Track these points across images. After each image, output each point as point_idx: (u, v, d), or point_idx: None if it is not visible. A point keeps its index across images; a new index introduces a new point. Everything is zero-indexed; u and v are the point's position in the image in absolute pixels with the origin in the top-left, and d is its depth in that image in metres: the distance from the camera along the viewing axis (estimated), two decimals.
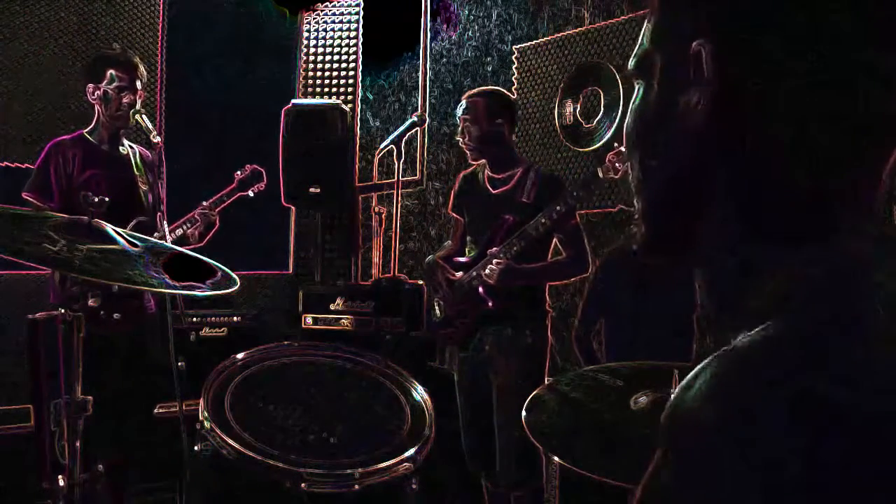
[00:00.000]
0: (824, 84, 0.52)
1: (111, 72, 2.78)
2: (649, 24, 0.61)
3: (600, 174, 2.56)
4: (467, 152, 2.86)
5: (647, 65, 0.60)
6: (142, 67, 2.87)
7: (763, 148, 0.54)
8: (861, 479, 0.42)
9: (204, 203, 3.03)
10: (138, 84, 2.83)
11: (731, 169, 0.55)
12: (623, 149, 2.49)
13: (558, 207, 2.54)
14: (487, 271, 2.64)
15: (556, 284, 3.26)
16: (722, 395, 0.47)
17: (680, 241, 0.61)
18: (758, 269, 0.55)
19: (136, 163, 2.89)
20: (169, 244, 2.31)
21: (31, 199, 2.75)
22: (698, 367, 0.49)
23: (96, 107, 2.85)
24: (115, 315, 2.70)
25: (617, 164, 2.53)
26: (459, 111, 2.84)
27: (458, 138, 2.88)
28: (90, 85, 2.82)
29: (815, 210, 0.54)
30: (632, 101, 0.63)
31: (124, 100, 2.78)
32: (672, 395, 0.50)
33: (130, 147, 2.93)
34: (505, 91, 3.12)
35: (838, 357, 0.46)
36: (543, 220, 2.57)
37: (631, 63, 0.63)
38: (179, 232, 2.91)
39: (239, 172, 3.18)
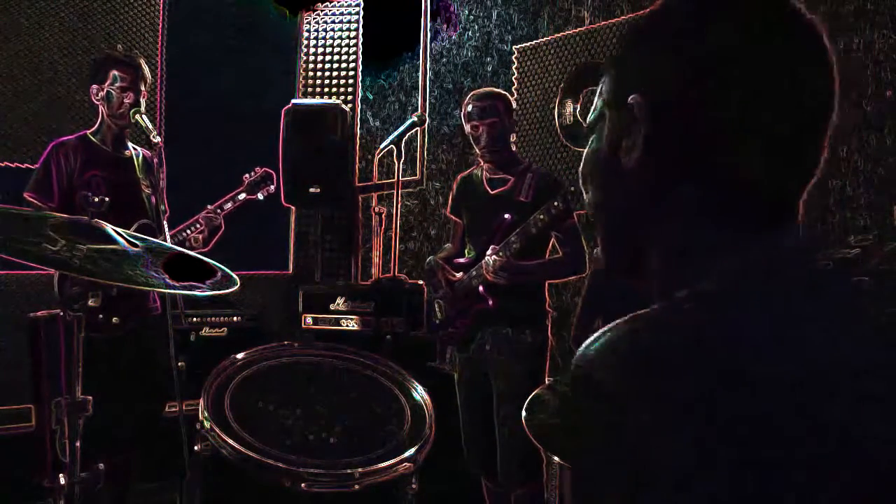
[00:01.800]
0: (737, 123, 0.64)
1: (114, 73, 2.78)
2: (602, 87, 0.74)
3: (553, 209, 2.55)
4: (485, 154, 2.80)
5: (600, 120, 0.74)
6: (146, 69, 2.86)
7: (692, 177, 0.66)
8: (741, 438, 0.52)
9: (209, 206, 2.97)
10: (142, 85, 2.82)
11: (667, 200, 0.67)
12: None
13: (556, 203, 2.53)
14: (486, 264, 2.63)
15: (556, 284, 3.26)
16: (623, 347, 0.59)
17: (634, 263, 0.72)
18: (696, 267, 0.66)
19: (138, 165, 2.88)
20: (169, 244, 2.31)
21: (31, 200, 2.75)
22: (611, 324, 0.61)
23: (100, 108, 2.84)
24: (115, 319, 2.70)
25: None
26: (476, 117, 2.77)
27: (476, 137, 2.80)
28: (94, 86, 2.82)
29: (744, 221, 0.65)
30: (586, 150, 0.76)
31: (126, 100, 2.77)
32: (584, 344, 0.62)
33: (134, 149, 2.92)
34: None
35: (732, 326, 0.57)
36: (542, 216, 2.56)
37: (588, 120, 0.76)
38: (182, 236, 2.89)
39: (248, 175, 3.12)
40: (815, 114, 0.67)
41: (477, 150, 2.86)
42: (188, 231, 2.91)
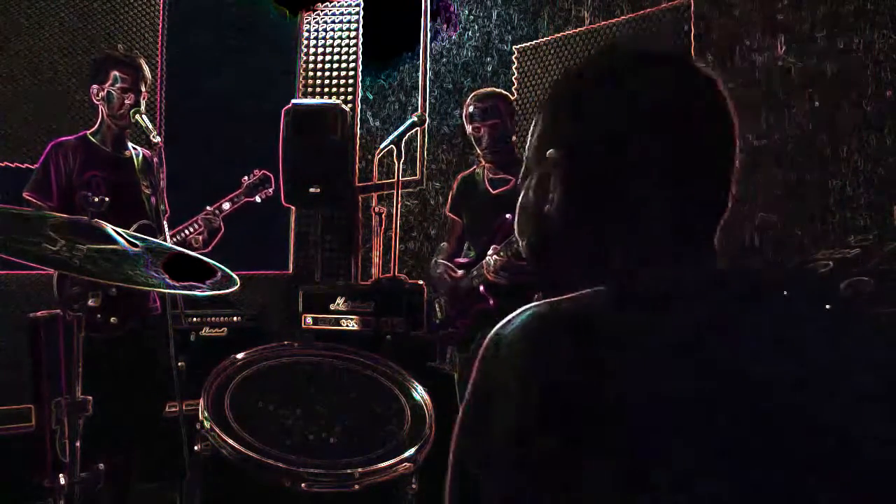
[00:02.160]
0: (641, 168, 0.73)
1: (115, 73, 2.77)
2: (528, 145, 0.84)
3: None
4: (487, 154, 2.80)
5: (528, 171, 0.84)
6: (146, 69, 2.85)
7: (607, 213, 0.75)
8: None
9: (208, 208, 2.97)
10: (142, 86, 2.81)
11: (585, 235, 0.77)
12: None
13: None
14: (487, 264, 2.63)
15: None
16: (526, 328, 0.68)
17: (563, 285, 0.78)
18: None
19: (138, 165, 2.87)
20: (169, 244, 2.31)
21: (31, 199, 2.75)
22: (521, 309, 0.70)
23: (100, 108, 2.84)
24: (113, 319, 2.70)
25: None
26: (479, 118, 2.77)
27: (478, 139, 2.80)
28: (94, 86, 2.81)
29: (655, 248, 0.74)
30: (520, 197, 0.85)
31: (127, 101, 2.77)
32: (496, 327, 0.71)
33: (134, 149, 2.92)
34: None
35: (609, 322, 0.67)
36: None
37: (521, 173, 0.85)
38: (181, 236, 2.89)
39: (247, 177, 3.12)
40: (716, 159, 0.75)
41: (478, 151, 2.86)
42: (187, 231, 2.91)
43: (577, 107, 0.79)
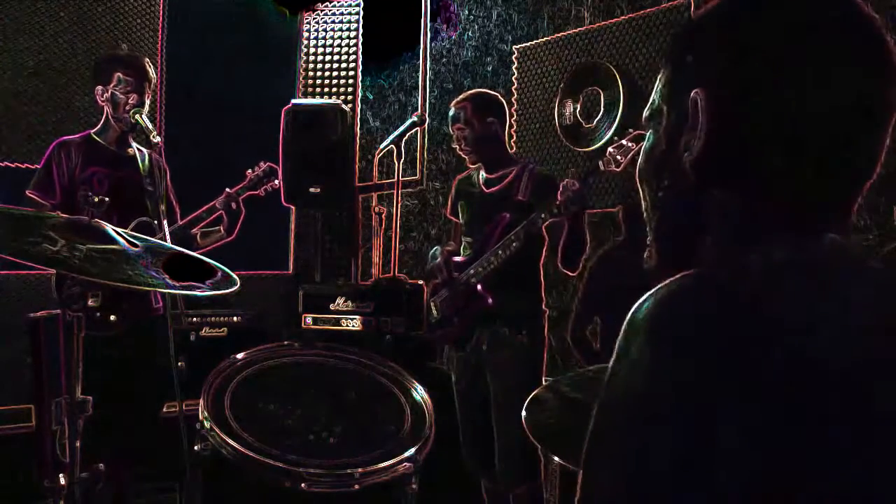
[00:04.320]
0: (799, 118, 0.64)
1: (118, 74, 2.76)
2: (658, 83, 0.75)
3: (601, 167, 2.56)
4: (465, 157, 2.89)
5: (657, 115, 0.74)
6: (150, 69, 2.84)
7: (750, 173, 0.66)
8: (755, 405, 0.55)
9: (228, 190, 2.97)
10: (146, 86, 2.79)
11: (723, 193, 0.68)
12: (624, 142, 2.51)
13: (560, 199, 2.56)
14: (564, 187, 2.55)
15: (555, 284, 3.26)
16: (664, 308, 0.61)
17: (683, 259, 0.70)
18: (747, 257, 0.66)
19: (143, 165, 2.87)
20: (169, 244, 2.31)
21: (33, 197, 2.74)
22: (654, 288, 0.62)
23: (105, 109, 2.83)
24: (112, 317, 2.70)
25: (618, 157, 2.52)
26: (451, 121, 2.85)
27: (455, 146, 2.90)
28: (98, 87, 2.81)
29: (795, 220, 0.66)
30: (644, 144, 0.76)
31: (130, 101, 2.76)
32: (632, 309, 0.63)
33: (139, 149, 2.92)
34: (490, 91, 3.11)
35: (763, 301, 0.59)
36: (543, 215, 2.58)
37: (644, 114, 0.76)
38: (190, 231, 2.90)
39: (251, 170, 3.09)
40: (871, 114, 0.66)
41: None
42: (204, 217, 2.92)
43: (726, 42, 0.68)
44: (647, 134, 0.75)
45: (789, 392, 0.55)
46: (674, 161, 0.70)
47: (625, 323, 0.62)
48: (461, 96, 2.94)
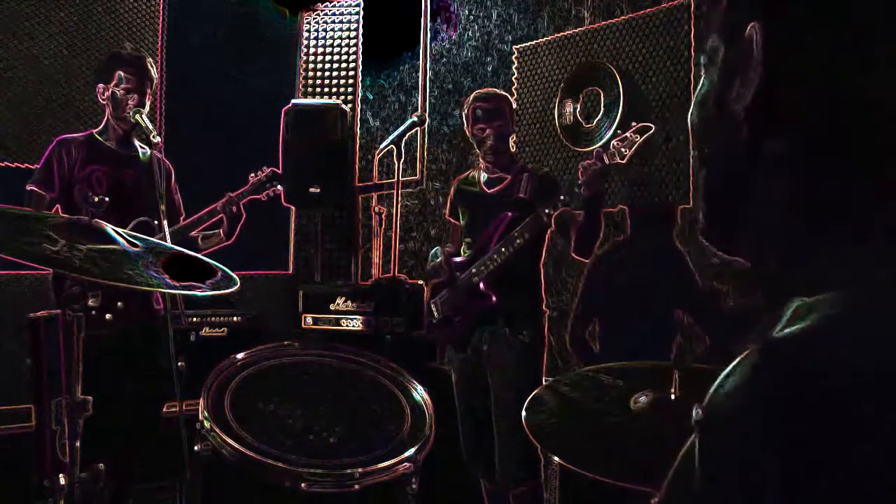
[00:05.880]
0: (869, 75, 0.51)
1: (120, 73, 2.76)
2: (717, 21, 0.63)
3: (606, 160, 2.55)
4: (488, 155, 2.81)
5: (714, 56, 0.63)
6: (152, 69, 2.83)
7: (811, 133, 0.54)
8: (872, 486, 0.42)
9: (230, 194, 2.95)
10: (147, 86, 2.79)
11: (781, 153, 0.56)
12: (628, 134, 2.51)
13: (563, 198, 2.58)
14: (585, 167, 2.55)
15: (554, 284, 3.26)
16: (754, 386, 0.47)
17: (732, 224, 0.62)
18: (811, 252, 0.54)
19: (144, 164, 2.87)
20: (169, 244, 2.31)
21: (32, 189, 2.74)
22: (738, 358, 0.49)
23: (106, 108, 2.83)
24: (108, 315, 2.70)
25: (622, 150, 2.52)
26: (485, 118, 2.77)
27: (481, 139, 2.80)
28: (100, 85, 2.80)
29: (872, 208, 0.52)
30: (698, 90, 0.65)
31: (131, 101, 2.76)
32: (713, 386, 0.50)
33: (141, 148, 2.92)
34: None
35: (872, 365, 0.44)
36: (547, 211, 2.60)
37: (702, 58, 0.65)
38: (191, 234, 2.89)
39: (254, 174, 3.06)
40: None
41: (479, 152, 2.87)
42: (205, 220, 2.90)
43: None
44: (702, 80, 0.65)
45: None
46: (726, 109, 0.60)
47: (708, 398, 0.50)
48: (488, 93, 2.88)
